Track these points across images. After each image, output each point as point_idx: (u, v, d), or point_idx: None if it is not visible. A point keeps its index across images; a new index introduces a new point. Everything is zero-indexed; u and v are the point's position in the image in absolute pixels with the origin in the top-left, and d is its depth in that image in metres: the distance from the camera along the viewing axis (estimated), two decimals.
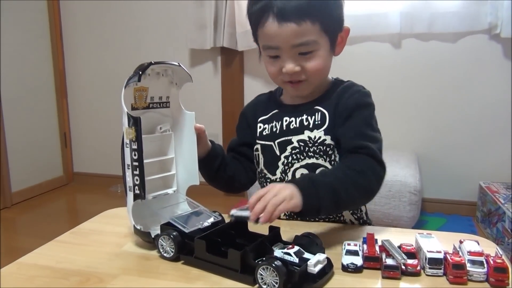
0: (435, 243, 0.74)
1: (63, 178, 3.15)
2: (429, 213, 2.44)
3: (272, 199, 0.74)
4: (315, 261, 0.67)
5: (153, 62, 0.81)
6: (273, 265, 0.63)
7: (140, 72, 0.78)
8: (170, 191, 0.90)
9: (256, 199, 0.75)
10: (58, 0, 2.99)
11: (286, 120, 0.99)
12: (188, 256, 0.75)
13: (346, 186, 0.81)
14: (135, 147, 0.77)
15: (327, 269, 0.69)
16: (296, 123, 0.97)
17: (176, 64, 0.86)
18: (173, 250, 0.75)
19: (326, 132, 0.94)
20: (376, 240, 0.77)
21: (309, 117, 0.96)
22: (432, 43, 2.38)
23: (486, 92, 2.35)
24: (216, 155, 1.00)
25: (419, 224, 2.17)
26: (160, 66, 0.84)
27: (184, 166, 0.91)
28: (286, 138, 0.98)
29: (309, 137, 0.95)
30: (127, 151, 0.78)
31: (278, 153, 0.99)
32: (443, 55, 2.38)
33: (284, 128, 0.98)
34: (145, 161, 0.78)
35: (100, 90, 3.05)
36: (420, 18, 2.31)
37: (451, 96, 2.41)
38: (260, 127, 1.04)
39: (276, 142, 0.99)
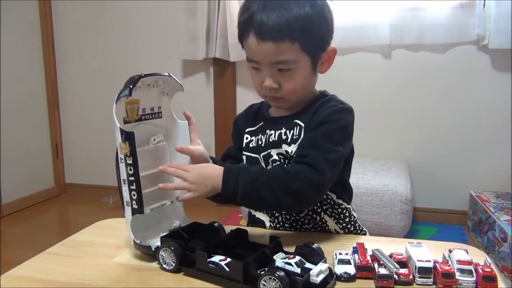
0: (425, 252, 0.74)
1: (54, 189, 3.13)
2: (421, 222, 2.44)
3: (186, 181, 0.82)
4: (317, 271, 0.67)
5: (143, 74, 0.81)
6: (276, 275, 0.64)
7: (131, 86, 0.78)
8: (167, 202, 0.89)
9: (179, 169, 0.84)
10: (49, 11, 2.99)
11: (267, 133, 0.99)
12: (190, 268, 0.75)
13: (270, 182, 0.83)
14: (130, 162, 0.76)
15: (329, 279, 0.69)
16: (275, 137, 0.97)
17: (166, 74, 0.87)
18: (174, 262, 0.75)
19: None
20: (366, 249, 0.77)
21: (287, 131, 0.95)
22: (421, 54, 2.41)
23: (475, 102, 2.38)
24: None
25: (411, 233, 2.17)
26: (150, 77, 0.84)
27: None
28: (268, 151, 0.98)
29: (286, 151, 0.94)
30: (122, 166, 0.77)
31: (264, 165, 0.98)
32: (433, 66, 2.41)
33: (267, 141, 0.98)
34: (141, 174, 0.78)
35: (92, 102, 3.04)
36: (409, 29, 2.34)
37: (441, 106, 2.44)
38: (246, 138, 1.04)
39: (261, 155, 0.99)
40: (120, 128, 0.76)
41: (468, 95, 2.39)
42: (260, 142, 1.00)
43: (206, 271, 0.72)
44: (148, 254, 0.80)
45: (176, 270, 0.75)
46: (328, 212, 0.97)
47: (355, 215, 1.03)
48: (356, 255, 0.75)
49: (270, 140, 0.97)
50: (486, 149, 2.40)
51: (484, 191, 2.35)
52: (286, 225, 0.99)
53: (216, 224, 0.85)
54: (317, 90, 1.02)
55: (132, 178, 0.77)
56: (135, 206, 0.78)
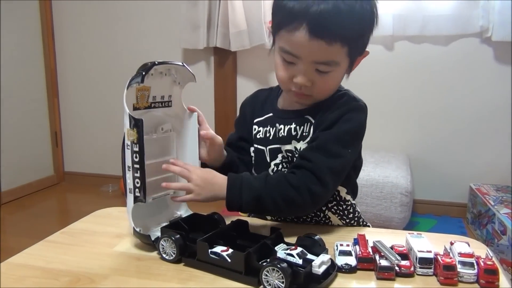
0: (426, 243, 0.74)
1: (53, 178, 3.12)
2: (420, 215, 2.44)
3: (190, 182, 0.82)
4: (319, 262, 0.67)
5: (156, 62, 0.79)
6: (279, 266, 0.63)
7: (144, 73, 0.76)
8: (170, 192, 0.88)
9: (183, 168, 0.84)
10: None
11: (277, 127, 0.95)
12: (190, 259, 0.74)
13: (273, 195, 0.82)
14: (136, 149, 0.75)
15: (331, 270, 0.69)
16: (284, 132, 0.93)
17: (180, 64, 0.85)
18: (174, 253, 0.74)
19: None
20: (367, 240, 0.77)
21: (297, 127, 0.92)
22: (424, 46, 2.39)
23: (477, 94, 2.37)
24: (231, 166, 0.96)
25: (410, 225, 2.17)
26: (164, 66, 0.83)
27: None
28: (277, 146, 0.95)
29: (295, 148, 0.92)
30: (128, 152, 0.76)
31: (268, 159, 0.96)
32: (435, 58, 2.39)
33: (276, 136, 0.95)
34: (146, 162, 0.77)
35: (92, 89, 3.02)
36: (412, 20, 2.31)
37: (442, 98, 2.42)
38: (255, 129, 1.00)
39: (268, 148, 0.96)
40: (129, 114, 0.74)
41: (469, 87, 2.37)
42: (268, 134, 0.97)
43: (207, 262, 0.71)
44: (147, 243, 0.80)
45: (176, 261, 0.75)
46: (332, 209, 0.95)
47: (359, 210, 1.01)
48: (357, 247, 0.75)
49: (280, 135, 0.94)
50: (487, 142, 2.39)
51: (484, 184, 2.35)
52: (288, 219, 0.98)
53: (216, 216, 0.85)
54: None
55: (137, 166, 0.76)
56: (137, 194, 0.77)
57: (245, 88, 2.67)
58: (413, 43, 2.40)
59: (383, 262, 0.69)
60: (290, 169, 0.88)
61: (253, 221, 0.92)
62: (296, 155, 0.91)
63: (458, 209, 2.43)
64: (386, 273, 0.68)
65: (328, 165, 0.84)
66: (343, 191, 0.95)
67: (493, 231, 1.98)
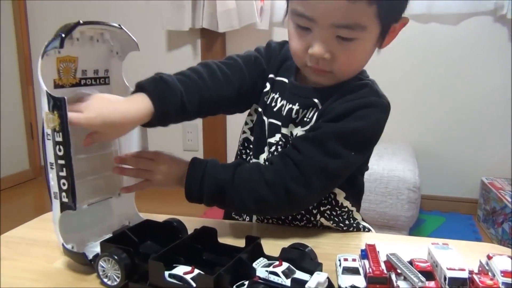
0: (456, 257, 0.61)
1: (29, 172, 3.00)
2: (426, 211, 2.35)
3: (149, 171, 0.73)
4: (315, 284, 0.54)
5: (81, 21, 0.65)
6: None
7: (63, 35, 0.61)
8: (114, 194, 0.74)
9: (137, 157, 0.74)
10: None
11: (281, 101, 0.82)
12: (140, 284, 0.59)
13: (241, 192, 0.73)
14: (59, 139, 0.60)
15: None
16: (284, 111, 0.81)
17: (116, 25, 0.70)
18: (118, 277, 0.60)
19: None
20: (379, 252, 0.64)
21: (300, 109, 0.79)
22: (431, 26, 2.28)
23: (490, 79, 2.26)
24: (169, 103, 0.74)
25: (416, 224, 2.07)
26: (92, 27, 0.68)
27: None
28: (277, 122, 0.81)
29: (291, 134, 0.80)
30: (48, 145, 0.61)
31: (266, 134, 0.83)
32: (444, 39, 2.28)
33: (278, 110, 0.82)
34: (77, 156, 0.64)
35: None
36: None
37: (451, 84, 2.32)
38: (266, 86, 0.85)
39: (268, 120, 0.83)
40: (47, 92, 0.60)
41: (482, 72, 2.26)
42: (273, 104, 0.83)
43: None
44: (82, 264, 0.66)
45: (122, 287, 0.60)
46: (326, 214, 0.81)
47: (358, 218, 0.86)
48: (365, 262, 0.62)
49: (282, 112, 0.81)
50: (500, 132, 2.28)
51: (498, 177, 2.23)
52: (274, 220, 0.84)
53: (175, 222, 0.70)
54: None
55: (61, 162, 0.61)
56: (65, 200, 0.62)
57: None
58: (419, 22, 2.28)
59: (402, 284, 0.57)
60: (273, 157, 0.78)
61: (223, 226, 0.81)
62: (289, 143, 0.79)
63: (468, 205, 2.34)
64: None
65: (321, 164, 0.72)
66: (341, 195, 0.81)
67: (510, 230, 1.88)
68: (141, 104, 0.67)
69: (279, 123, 0.81)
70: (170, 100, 0.70)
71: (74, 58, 0.66)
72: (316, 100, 0.78)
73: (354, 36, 0.70)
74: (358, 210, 0.85)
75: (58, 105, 0.59)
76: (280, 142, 0.81)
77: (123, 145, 0.75)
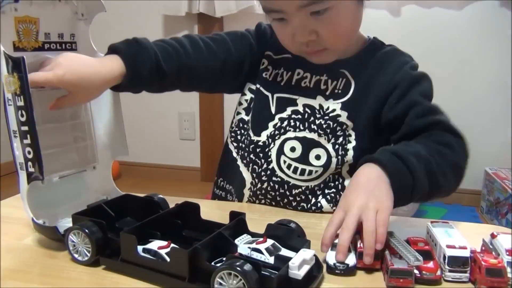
0: (457, 235, 0.58)
1: None
2: (428, 203, 2.27)
3: (367, 225, 0.57)
4: (299, 261, 0.50)
5: None
6: (239, 269, 0.46)
7: None
8: (88, 167, 0.70)
9: (338, 230, 0.59)
10: None
11: (298, 73, 0.80)
12: (112, 259, 0.56)
13: (442, 166, 0.67)
14: (21, 103, 0.56)
15: (316, 272, 0.53)
16: (309, 82, 0.79)
17: None
18: (89, 251, 0.56)
19: (343, 107, 0.76)
20: None
21: (329, 80, 0.78)
22: (435, 11, 2.21)
23: (494, 66, 2.19)
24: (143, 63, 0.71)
25: (417, 215, 2.03)
26: None
27: (106, 131, 0.72)
28: (291, 96, 0.79)
29: (320, 106, 0.77)
30: (10, 110, 0.57)
31: (273, 110, 0.80)
32: (447, 24, 2.22)
33: (293, 83, 0.80)
34: (45, 126, 0.61)
35: None
36: None
37: (455, 71, 2.25)
38: (263, 63, 0.83)
39: (275, 95, 0.80)
40: (4, 53, 0.55)
41: (486, 58, 2.21)
42: (279, 78, 0.81)
43: (135, 263, 0.53)
44: (54, 239, 0.62)
45: (93, 262, 0.56)
46: (328, 196, 0.79)
47: None
48: (357, 238, 0.59)
49: (302, 84, 0.79)
50: (504, 120, 2.22)
51: (502, 168, 2.17)
52: (268, 197, 0.81)
53: (156, 198, 0.65)
54: (363, 35, 0.82)
55: (25, 128, 0.56)
56: (31, 169, 0.57)
57: None
58: (422, 7, 2.23)
59: (397, 263, 0.53)
60: (416, 138, 0.73)
61: (208, 205, 0.75)
62: (318, 115, 0.77)
63: (470, 196, 2.27)
64: (402, 280, 0.52)
65: (449, 120, 0.76)
66: (348, 181, 0.79)
67: None
68: (114, 63, 0.65)
69: (294, 97, 0.79)
70: (143, 61, 0.68)
71: (34, 19, 0.62)
72: (344, 71, 0.77)
73: (326, 6, 0.67)
74: None
75: (16, 66, 0.55)
76: (295, 116, 0.78)
77: (95, 114, 0.70)
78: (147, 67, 0.68)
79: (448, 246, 0.54)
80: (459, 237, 0.57)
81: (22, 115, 0.56)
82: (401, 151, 0.65)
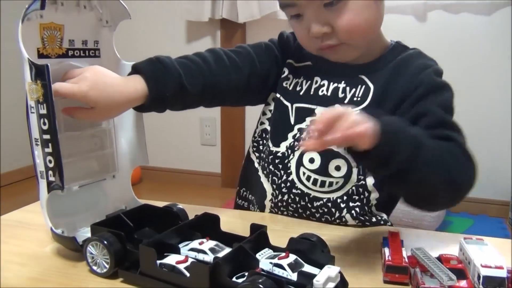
0: (492, 253, 0.55)
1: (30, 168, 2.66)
2: (453, 213, 2.22)
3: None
4: (324, 279, 0.48)
5: None
6: (261, 287, 0.44)
7: None
8: (107, 176, 0.69)
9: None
10: None
11: (316, 82, 0.79)
12: (131, 272, 0.55)
13: (434, 162, 0.61)
14: (43, 111, 0.55)
15: None
16: (327, 90, 0.77)
17: None
18: (108, 263, 0.55)
19: (362, 113, 0.70)
20: (402, 241, 0.60)
21: (347, 87, 0.76)
22: (462, 16, 2.16)
23: None
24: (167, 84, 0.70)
25: (443, 226, 1.98)
26: None
27: (127, 140, 0.71)
28: (309, 105, 0.77)
29: None
30: (33, 118, 0.57)
31: (292, 121, 0.79)
32: (476, 30, 2.16)
33: (311, 92, 0.78)
34: (66, 134, 0.61)
35: None
36: None
37: (483, 77, 2.18)
38: (284, 72, 0.82)
39: (294, 105, 0.79)
40: (29, 60, 0.55)
41: None
42: (298, 88, 0.80)
43: (155, 277, 0.52)
44: (72, 249, 0.61)
45: (111, 275, 0.55)
46: (353, 211, 0.75)
47: (385, 216, 0.80)
48: (386, 250, 0.58)
49: (320, 93, 0.77)
50: None
51: None
52: (290, 209, 0.79)
53: (175, 208, 0.64)
54: (386, 39, 0.80)
55: (47, 136, 0.56)
56: (51, 179, 0.57)
57: None
58: (450, 12, 2.17)
59: (429, 282, 0.52)
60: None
61: (229, 215, 0.74)
62: None
63: (498, 207, 2.21)
64: None
65: (464, 139, 0.69)
66: (373, 195, 0.76)
67: None
68: (138, 84, 0.64)
69: (312, 106, 0.77)
70: (167, 82, 0.67)
71: (59, 26, 0.62)
72: (363, 77, 0.75)
73: None
74: (387, 214, 0.80)
75: (40, 74, 0.54)
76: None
77: (117, 121, 0.70)
78: (170, 89, 0.67)
79: (484, 266, 0.52)
80: (495, 255, 0.54)
81: (44, 123, 0.55)
82: (403, 123, 0.62)
